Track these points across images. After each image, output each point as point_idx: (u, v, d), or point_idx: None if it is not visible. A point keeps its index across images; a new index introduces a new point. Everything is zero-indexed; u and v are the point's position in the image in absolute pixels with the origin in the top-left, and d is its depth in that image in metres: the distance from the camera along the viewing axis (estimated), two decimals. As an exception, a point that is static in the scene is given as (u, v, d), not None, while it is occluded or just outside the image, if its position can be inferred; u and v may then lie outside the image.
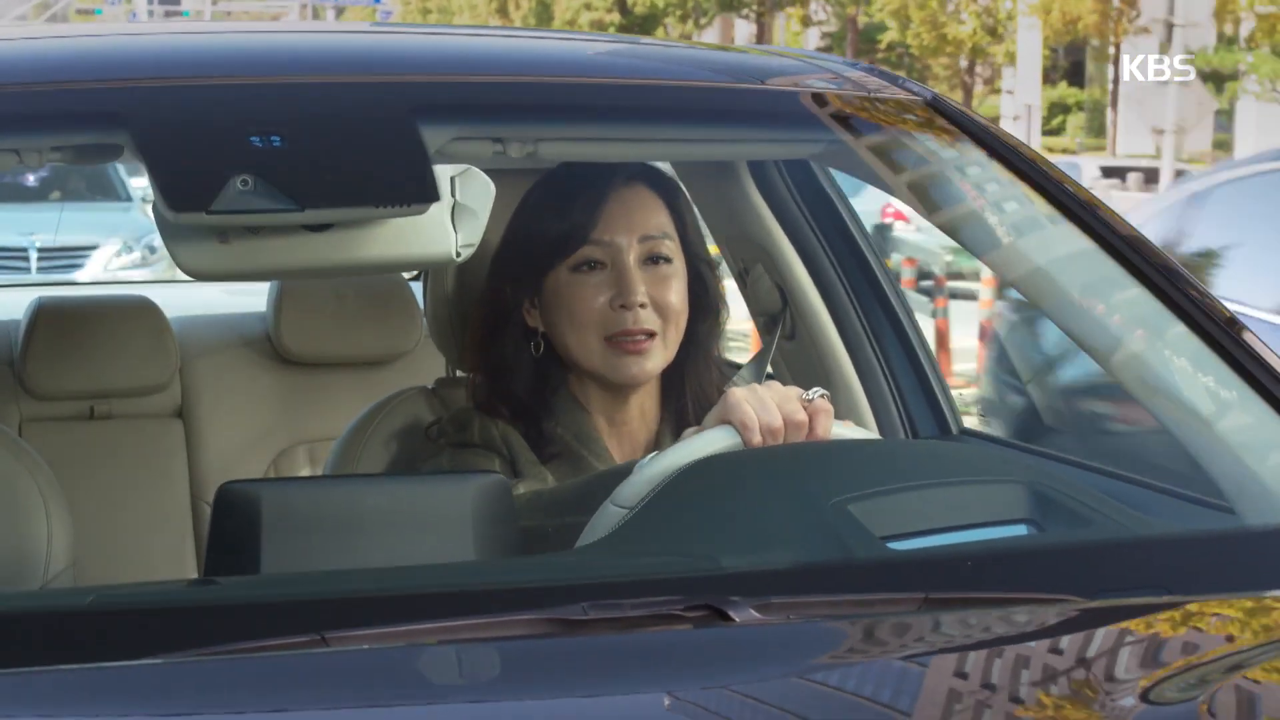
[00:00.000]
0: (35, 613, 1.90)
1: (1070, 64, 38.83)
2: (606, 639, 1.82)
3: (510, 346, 2.66)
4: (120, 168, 15.76)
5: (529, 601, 1.86)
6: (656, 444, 2.63)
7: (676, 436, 2.55)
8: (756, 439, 2.28)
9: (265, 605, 1.87)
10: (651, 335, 2.61)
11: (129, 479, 3.69)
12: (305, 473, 3.72)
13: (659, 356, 2.63)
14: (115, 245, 14.43)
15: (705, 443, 2.27)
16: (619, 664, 1.80)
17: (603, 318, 2.61)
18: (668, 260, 2.64)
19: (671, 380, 2.70)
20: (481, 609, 1.84)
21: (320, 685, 1.73)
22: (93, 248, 14.33)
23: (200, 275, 2.44)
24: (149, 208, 15.58)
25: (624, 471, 2.32)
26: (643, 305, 2.60)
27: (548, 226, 2.63)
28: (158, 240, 14.30)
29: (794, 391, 2.34)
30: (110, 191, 15.78)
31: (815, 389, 2.35)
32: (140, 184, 17.02)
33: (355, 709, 1.71)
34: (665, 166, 3.00)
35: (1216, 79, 29.40)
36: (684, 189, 2.76)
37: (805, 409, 2.31)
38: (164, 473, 3.73)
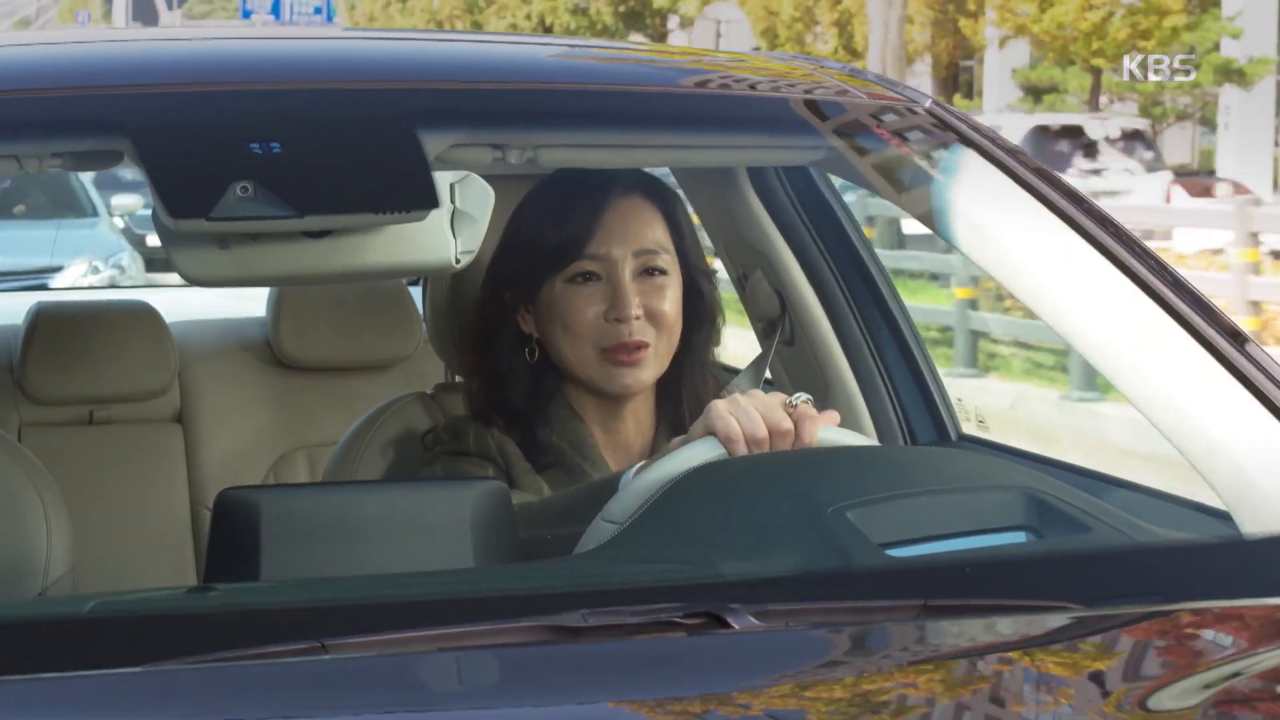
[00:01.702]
0: (34, 619, 1.90)
1: (971, 78, 39.21)
2: (605, 646, 1.82)
3: (505, 352, 2.66)
4: (87, 182, 15.10)
5: (528, 609, 1.86)
6: (652, 452, 2.63)
7: None
8: (741, 450, 2.28)
9: (264, 612, 1.87)
10: (645, 346, 2.61)
11: (128, 484, 3.69)
12: (304, 478, 3.72)
13: (653, 367, 2.63)
14: (82, 266, 13.59)
15: (691, 455, 2.27)
16: (618, 671, 1.80)
17: (597, 329, 2.61)
18: (663, 272, 2.64)
19: (667, 389, 2.70)
20: (481, 616, 1.84)
21: (319, 692, 1.73)
22: (57, 269, 13.40)
23: (200, 282, 2.44)
24: (117, 222, 14.93)
25: (611, 482, 2.31)
26: (637, 317, 2.60)
27: (544, 237, 2.64)
28: (127, 259, 13.87)
29: (778, 399, 2.33)
30: (76, 207, 14.86)
31: (799, 394, 2.35)
32: (121, 202, 16.27)
33: (354, 716, 1.71)
34: (664, 173, 3.01)
35: (1036, 92, 30.46)
36: (683, 199, 2.77)
37: (790, 415, 2.31)
38: (163, 478, 3.73)
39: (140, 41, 2.75)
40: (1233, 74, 27.18)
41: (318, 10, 26.61)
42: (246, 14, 26.88)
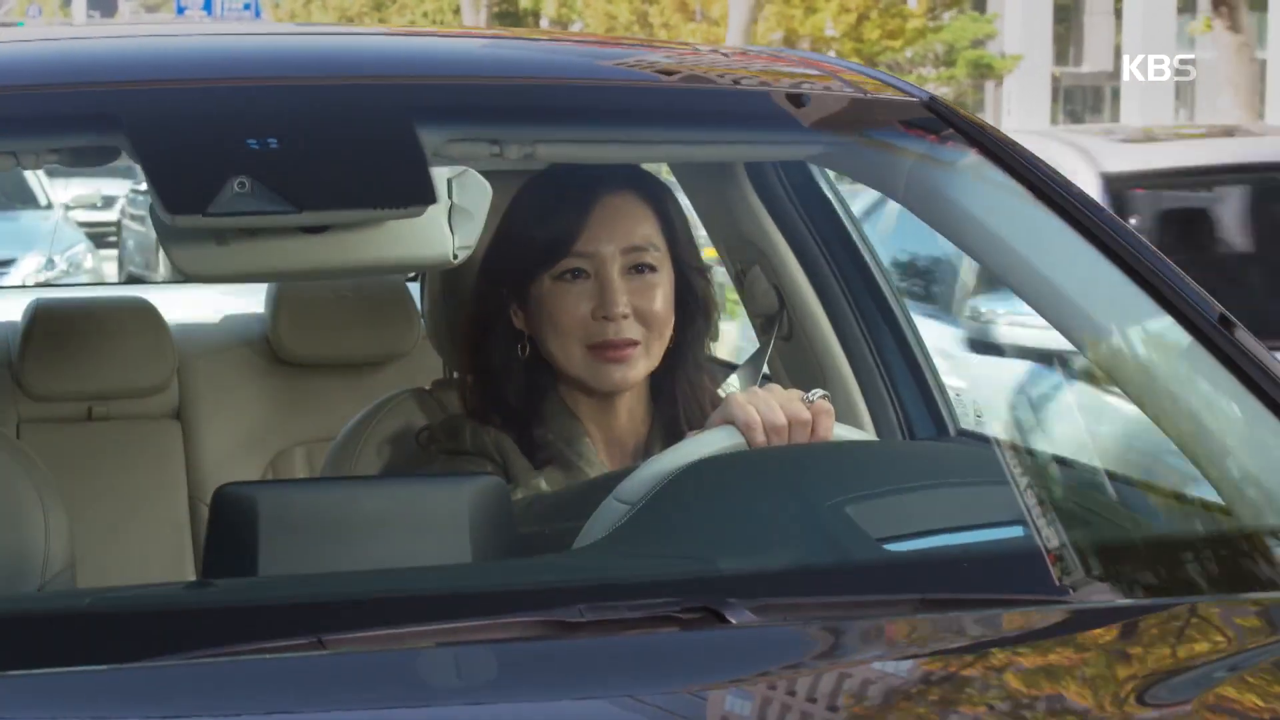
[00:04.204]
0: (32, 615, 1.90)
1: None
2: (602, 641, 1.82)
3: (499, 349, 2.66)
4: (40, 172, 14.75)
5: (525, 603, 1.86)
6: (647, 448, 2.63)
7: (667, 441, 2.55)
8: (760, 438, 2.28)
9: (262, 607, 1.87)
10: (634, 344, 2.61)
11: (127, 480, 3.69)
12: (302, 474, 3.72)
13: (641, 364, 2.62)
14: (36, 259, 13.07)
15: (708, 442, 2.27)
16: (615, 666, 1.80)
17: (584, 327, 2.60)
18: (653, 269, 2.63)
19: (660, 385, 2.70)
20: (478, 611, 1.84)
21: (317, 688, 1.73)
22: (9, 262, 12.90)
23: (198, 277, 2.44)
24: (71, 215, 14.41)
25: (622, 478, 2.32)
26: (625, 316, 2.59)
27: (532, 234, 2.63)
28: (79, 252, 13.56)
29: (795, 393, 2.34)
30: (28, 198, 14.39)
31: (816, 390, 2.36)
32: (67, 193, 15.82)
33: (352, 711, 1.72)
34: (661, 168, 3.00)
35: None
36: (674, 194, 2.75)
37: (807, 409, 2.32)
38: (162, 474, 3.73)
39: (138, 37, 2.75)
40: (984, 68, 30.89)
41: (246, 6, 27.07)
42: (180, 10, 27.25)
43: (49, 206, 14.62)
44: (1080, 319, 2.43)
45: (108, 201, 21.73)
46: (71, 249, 13.66)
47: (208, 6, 26.77)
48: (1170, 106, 33.52)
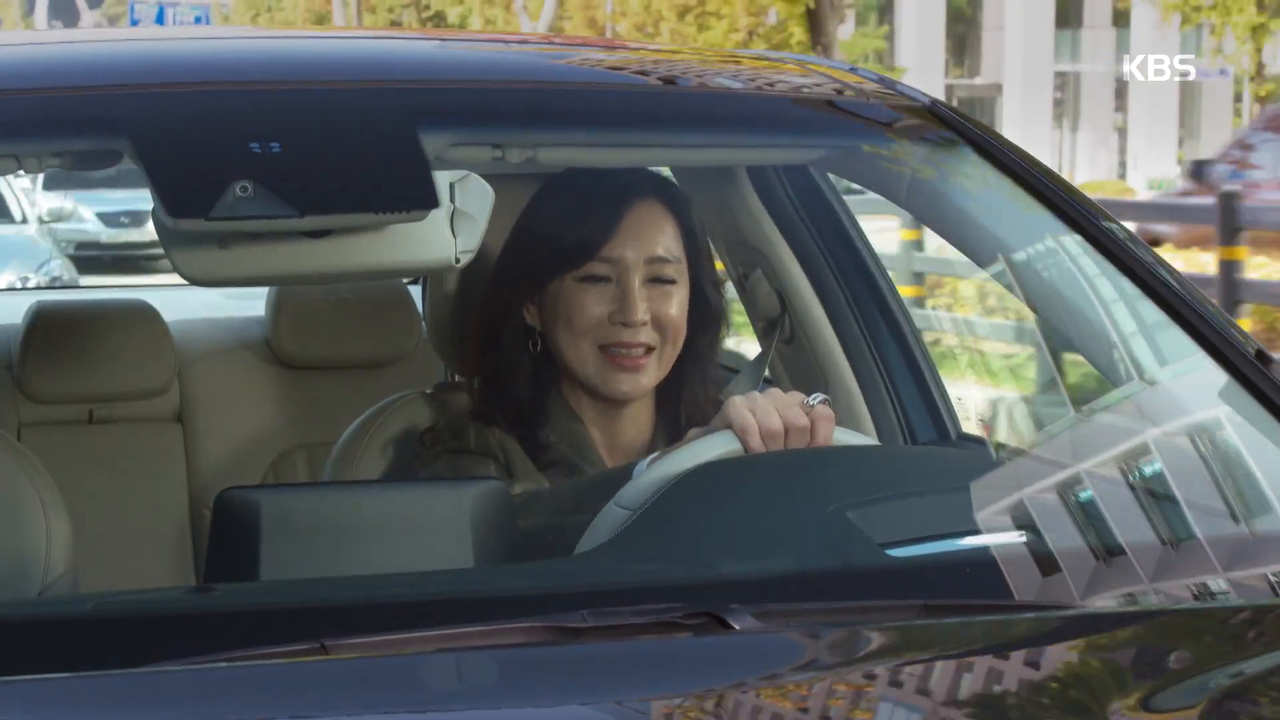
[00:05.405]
0: (34, 619, 1.90)
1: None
2: (605, 647, 1.82)
3: (509, 345, 2.66)
4: (12, 184, 13.97)
5: (528, 609, 1.86)
6: (650, 454, 2.63)
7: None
8: (757, 443, 2.29)
9: (264, 612, 1.87)
10: (649, 350, 2.61)
11: (128, 483, 3.69)
12: (304, 477, 3.72)
13: (653, 373, 2.63)
14: (10, 276, 12.60)
15: (707, 447, 2.27)
16: (617, 672, 1.80)
17: (600, 327, 2.61)
18: (672, 281, 2.64)
19: (667, 393, 2.70)
20: (481, 616, 1.84)
21: (319, 693, 1.73)
22: None
23: (200, 281, 2.44)
24: (47, 229, 13.92)
25: (622, 473, 2.32)
26: (644, 323, 2.61)
27: (559, 235, 2.64)
28: (57, 268, 13.34)
29: (795, 398, 2.34)
30: (2, 212, 14.01)
31: (816, 395, 2.36)
32: (50, 204, 15.42)
33: (354, 717, 1.71)
34: (664, 171, 3.00)
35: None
36: (694, 206, 2.76)
37: (807, 414, 2.32)
38: (163, 477, 3.73)
39: (139, 41, 2.75)
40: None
41: (198, 20, 27.68)
42: (134, 22, 27.81)
43: (24, 221, 14.29)
44: (1081, 321, 2.43)
45: (135, 218, 21.02)
46: (46, 264, 13.29)
47: (160, 19, 27.33)
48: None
